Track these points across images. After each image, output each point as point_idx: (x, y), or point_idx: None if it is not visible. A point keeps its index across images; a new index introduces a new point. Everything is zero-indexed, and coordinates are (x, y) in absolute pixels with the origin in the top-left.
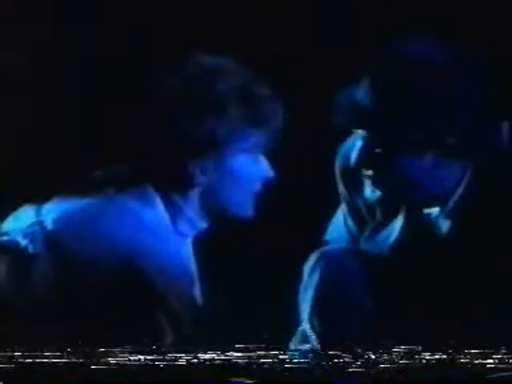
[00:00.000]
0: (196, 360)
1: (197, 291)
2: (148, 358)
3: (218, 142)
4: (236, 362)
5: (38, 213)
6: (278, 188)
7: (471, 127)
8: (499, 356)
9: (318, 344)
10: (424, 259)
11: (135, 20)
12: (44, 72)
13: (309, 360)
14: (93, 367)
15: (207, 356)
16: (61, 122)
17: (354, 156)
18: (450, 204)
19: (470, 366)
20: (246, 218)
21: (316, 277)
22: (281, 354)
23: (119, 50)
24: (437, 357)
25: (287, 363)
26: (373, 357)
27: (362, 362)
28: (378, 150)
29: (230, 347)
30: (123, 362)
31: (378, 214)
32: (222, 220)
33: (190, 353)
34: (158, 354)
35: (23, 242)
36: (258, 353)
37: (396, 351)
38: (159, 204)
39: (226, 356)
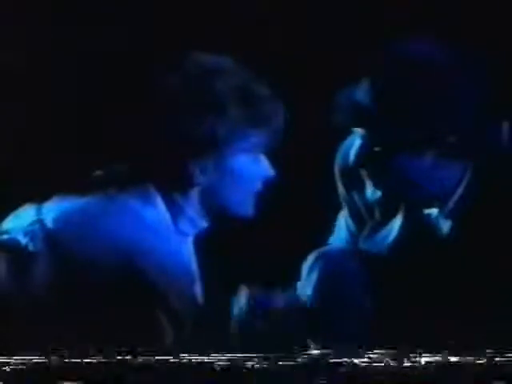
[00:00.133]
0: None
1: (197, 290)
2: (148, 357)
3: (218, 142)
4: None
5: (39, 211)
6: (278, 187)
7: (471, 127)
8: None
9: (317, 344)
10: (423, 259)
11: (135, 20)
12: (44, 72)
13: (308, 361)
14: (92, 367)
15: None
16: (61, 122)
17: (353, 155)
18: (450, 204)
19: (469, 366)
20: (247, 217)
21: (314, 276)
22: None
23: (119, 50)
24: (436, 357)
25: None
26: (371, 357)
27: (361, 362)
28: (377, 150)
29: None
30: (123, 361)
31: (378, 214)
32: (222, 219)
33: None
34: (158, 354)
35: (24, 241)
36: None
37: (395, 351)
38: (160, 203)
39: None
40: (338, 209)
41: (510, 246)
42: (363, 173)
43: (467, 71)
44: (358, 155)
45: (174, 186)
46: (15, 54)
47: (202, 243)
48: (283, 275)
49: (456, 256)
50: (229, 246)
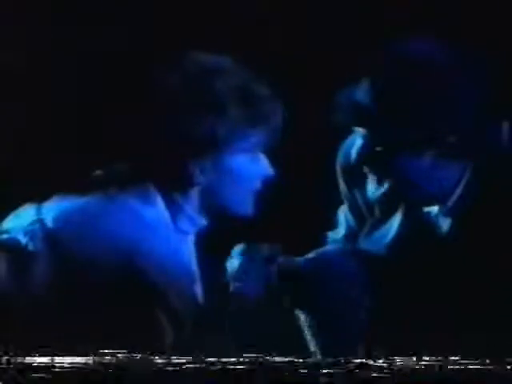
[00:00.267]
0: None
1: (197, 289)
2: (148, 357)
3: (218, 142)
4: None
5: (39, 211)
6: (278, 186)
7: (471, 127)
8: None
9: (316, 344)
10: (423, 259)
11: (135, 20)
12: (44, 72)
13: (309, 362)
14: (92, 366)
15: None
16: (61, 122)
17: (354, 154)
18: (449, 204)
19: (469, 367)
20: (246, 216)
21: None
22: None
23: (119, 50)
24: (435, 358)
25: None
26: (371, 357)
27: (361, 362)
28: (378, 149)
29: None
30: (123, 361)
31: (378, 213)
32: (222, 218)
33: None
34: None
35: (24, 240)
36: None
37: (394, 351)
38: (159, 202)
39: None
40: (337, 208)
41: (509, 245)
42: (364, 171)
43: (467, 71)
44: (359, 154)
45: (173, 186)
46: (15, 54)
47: (202, 242)
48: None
49: (455, 255)
50: (228, 244)
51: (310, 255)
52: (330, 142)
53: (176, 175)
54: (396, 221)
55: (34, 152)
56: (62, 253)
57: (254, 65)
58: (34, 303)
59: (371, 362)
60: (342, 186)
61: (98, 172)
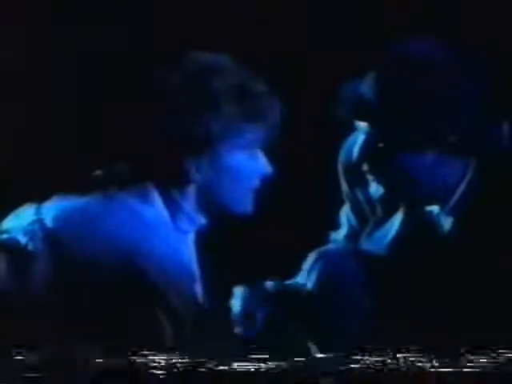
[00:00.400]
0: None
1: (197, 288)
2: (148, 357)
3: (214, 139)
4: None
5: (38, 211)
6: (278, 185)
7: (473, 125)
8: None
9: (316, 344)
10: (424, 258)
11: (135, 20)
12: (44, 72)
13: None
14: (93, 366)
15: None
16: (61, 121)
17: (356, 152)
18: (452, 202)
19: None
20: (245, 214)
21: (314, 276)
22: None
23: (119, 49)
24: (435, 358)
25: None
26: (371, 357)
27: (361, 362)
28: (380, 146)
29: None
30: (123, 361)
31: (380, 211)
32: (221, 217)
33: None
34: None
35: (23, 240)
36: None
37: (395, 351)
38: (158, 201)
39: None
40: (338, 206)
41: (511, 243)
42: (366, 169)
43: (470, 69)
44: (361, 152)
45: (172, 184)
46: (15, 53)
47: (201, 240)
48: (282, 274)
49: (457, 255)
50: (228, 243)
51: (312, 255)
52: (330, 140)
53: (175, 174)
54: (397, 220)
55: (34, 152)
56: (61, 253)
57: (253, 62)
58: (34, 303)
59: (372, 362)
60: (344, 185)
61: (97, 172)
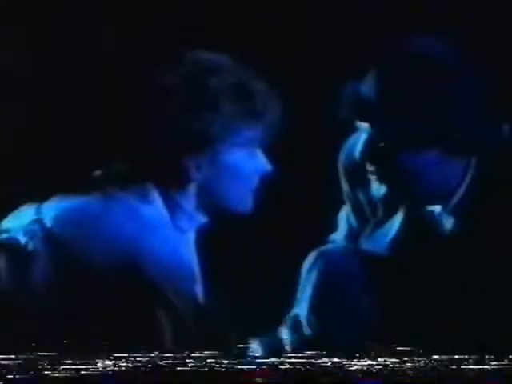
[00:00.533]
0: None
1: (198, 287)
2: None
3: (213, 138)
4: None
5: (38, 211)
6: (279, 184)
7: (475, 124)
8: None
9: (316, 343)
10: (426, 257)
11: (135, 20)
12: (44, 72)
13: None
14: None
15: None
16: (61, 121)
17: (357, 152)
18: (454, 201)
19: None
20: (245, 212)
21: (314, 276)
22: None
23: (118, 49)
24: (436, 358)
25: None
26: (372, 357)
27: (362, 362)
28: (381, 146)
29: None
30: (123, 361)
31: (381, 210)
32: (221, 215)
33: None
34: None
35: (23, 240)
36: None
37: (396, 351)
38: (158, 200)
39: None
40: (338, 205)
41: None
42: (368, 168)
43: (471, 68)
44: (363, 151)
45: (171, 183)
46: (15, 54)
47: (201, 239)
48: (282, 273)
49: (459, 254)
50: (227, 242)
51: (311, 255)
52: (330, 140)
53: (174, 173)
54: (398, 219)
55: (34, 152)
56: (61, 252)
57: (254, 64)
58: (34, 302)
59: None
60: (344, 185)
61: (97, 172)
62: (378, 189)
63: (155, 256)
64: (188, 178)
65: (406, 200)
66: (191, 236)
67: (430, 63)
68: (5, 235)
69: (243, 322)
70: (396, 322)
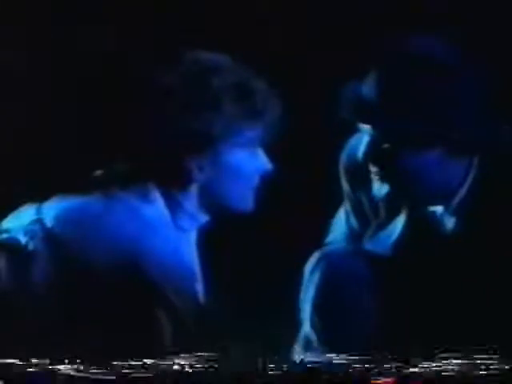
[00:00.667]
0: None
1: (199, 286)
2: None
3: (214, 138)
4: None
5: (39, 211)
6: (279, 184)
7: (476, 124)
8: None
9: (320, 345)
10: (429, 258)
11: (135, 20)
12: (44, 72)
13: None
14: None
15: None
16: (61, 121)
17: (359, 153)
18: (456, 200)
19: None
20: (246, 212)
21: (317, 277)
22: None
23: (118, 49)
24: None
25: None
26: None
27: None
28: (384, 147)
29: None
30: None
31: (383, 212)
32: (221, 215)
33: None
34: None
35: (23, 240)
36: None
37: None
38: (159, 200)
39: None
40: (338, 205)
41: None
42: (370, 169)
43: (472, 68)
44: (366, 152)
45: (172, 183)
46: (15, 53)
47: (203, 239)
48: (283, 274)
49: (461, 253)
50: (229, 242)
51: (313, 256)
52: (330, 140)
53: (175, 173)
54: (401, 220)
55: (34, 152)
56: (62, 252)
57: (254, 64)
58: (35, 302)
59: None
60: (345, 186)
61: (98, 171)
62: (380, 189)
63: (156, 256)
64: (189, 178)
65: (408, 200)
66: (192, 236)
67: (430, 63)
68: (5, 235)
69: (243, 322)
70: (399, 323)
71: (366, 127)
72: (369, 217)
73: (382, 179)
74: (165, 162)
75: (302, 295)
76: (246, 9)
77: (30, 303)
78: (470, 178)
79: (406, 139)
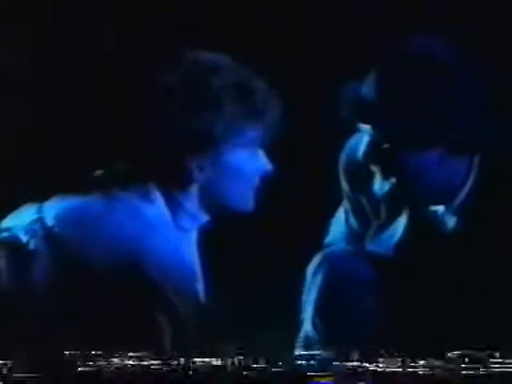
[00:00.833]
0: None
1: (199, 286)
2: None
3: (215, 138)
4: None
5: (40, 210)
6: (278, 184)
7: (476, 124)
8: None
9: (321, 346)
10: (431, 259)
11: (135, 20)
12: (44, 72)
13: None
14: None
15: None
16: (61, 121)
17: (359, 153)
18: (458, 200)
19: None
20: (246, 212)
21: (319, 279)
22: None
23: (119, 49)
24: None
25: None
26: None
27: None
28: (384, 146)
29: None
30: (125, 361)
31: (383, 212)
32: (222, 215)
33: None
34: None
35: (24, 239)
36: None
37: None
38: (160, 200)
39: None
40: (338, 205)
41: None
42: (371, 170)
43: (472, 67)
44: (366, 152)
45: (173, 183)
46: (15, 53)
47: (203, 239)
48: (284, 274)
49: (462, 253)
50: (229, 242)
51: (316, 257)
52: (330, 140)
53: (175, 173)
54: (403, 221)
55: (34, 152)
56: (62, 251)
57: (254, 64)
58: (35, 301)
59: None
60: (345, 186)
61: (98, 171)
62: (380, 190)
63: (157, 255)
64: (190, 178)
65: (409, 201)
66: (193, 235)
67: (430, 63)
68: (6, 234)
69: (243, 322)
70: (402, 324)
71: (365, 127)
72: (369, 217)
73: (382, 179)
74: (165, 162)
75: (304, 297)
76: (246, 9)
77: (30, 302)
78: (470, 177)
79: (406, 139)
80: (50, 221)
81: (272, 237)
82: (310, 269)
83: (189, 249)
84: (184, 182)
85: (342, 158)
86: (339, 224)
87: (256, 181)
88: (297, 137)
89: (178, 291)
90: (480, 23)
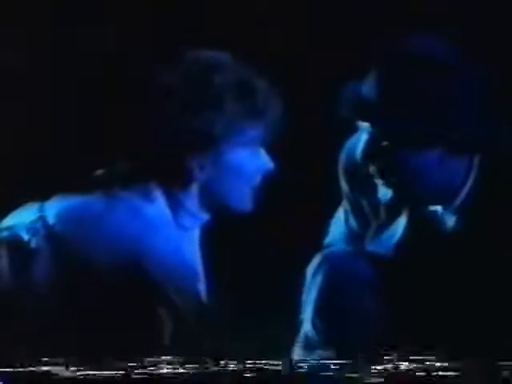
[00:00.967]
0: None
1: (200, 285)
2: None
3: (216, 137)
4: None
5: (41, 209)
6: (279, 183)
7: (476, 124)
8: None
9: (321, 347)
10: (432, 259)
11: (135, 19)
12: (44, 72)
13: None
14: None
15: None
16: (62, 121)
17: (358, 152)
18: (458, 200)
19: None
20: (247, 211)
21: (319, 279)
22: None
23: (118, 49)
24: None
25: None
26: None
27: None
28: (383, 145)
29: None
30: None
31: (383, 212)
32: (222, 214)
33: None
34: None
35: (26, 237)
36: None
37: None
38: (160, 199)
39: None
40: (338, 205)
41: None
42: (371, 169)
43: (472, 67)
44: (365, 151)
45: (174, 182)
46: (15, 53)
47: (204, 238)
48: (284, 274)
49: (463, 253)
50: (229, 241)
51: (316, 257)
52: (330, 140)
53: (176, 172)
54: (403, 221)
55: (34, 152)
56: (63, 250)
57: (254, 64)
58: (36, 300)
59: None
60: (344, 186)
61: (99, 171)
62: (380, 190)
63: (158, 255)
64: (191, 177)
65: (409, 201)
66: (194, 235)
67: (430, 63)
68: (7, 232)
69: (243, 322)
70: (402, 324)
71: (365, 127)
72: (368, 217)
73: (383, 179)
74: (166, 161)
75: (303, 297)
76: (246, 9)
77: (31, 301)
78: (470, 177)
79: (406, 139)
80: (51, 220)
81: (272, 237)
82: (310, 269)
83: (190, 248)
84: (185, 181)
85: (342, 158)
86: (339, 224)
87: (257, 180)
88: (297, 136)
89: (179, 290)
90: (480, 23)
